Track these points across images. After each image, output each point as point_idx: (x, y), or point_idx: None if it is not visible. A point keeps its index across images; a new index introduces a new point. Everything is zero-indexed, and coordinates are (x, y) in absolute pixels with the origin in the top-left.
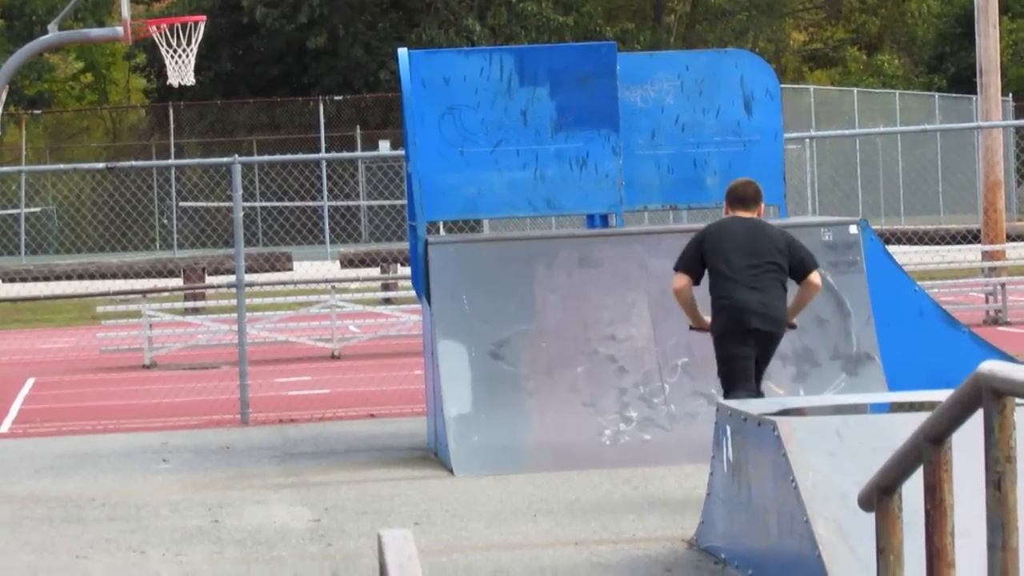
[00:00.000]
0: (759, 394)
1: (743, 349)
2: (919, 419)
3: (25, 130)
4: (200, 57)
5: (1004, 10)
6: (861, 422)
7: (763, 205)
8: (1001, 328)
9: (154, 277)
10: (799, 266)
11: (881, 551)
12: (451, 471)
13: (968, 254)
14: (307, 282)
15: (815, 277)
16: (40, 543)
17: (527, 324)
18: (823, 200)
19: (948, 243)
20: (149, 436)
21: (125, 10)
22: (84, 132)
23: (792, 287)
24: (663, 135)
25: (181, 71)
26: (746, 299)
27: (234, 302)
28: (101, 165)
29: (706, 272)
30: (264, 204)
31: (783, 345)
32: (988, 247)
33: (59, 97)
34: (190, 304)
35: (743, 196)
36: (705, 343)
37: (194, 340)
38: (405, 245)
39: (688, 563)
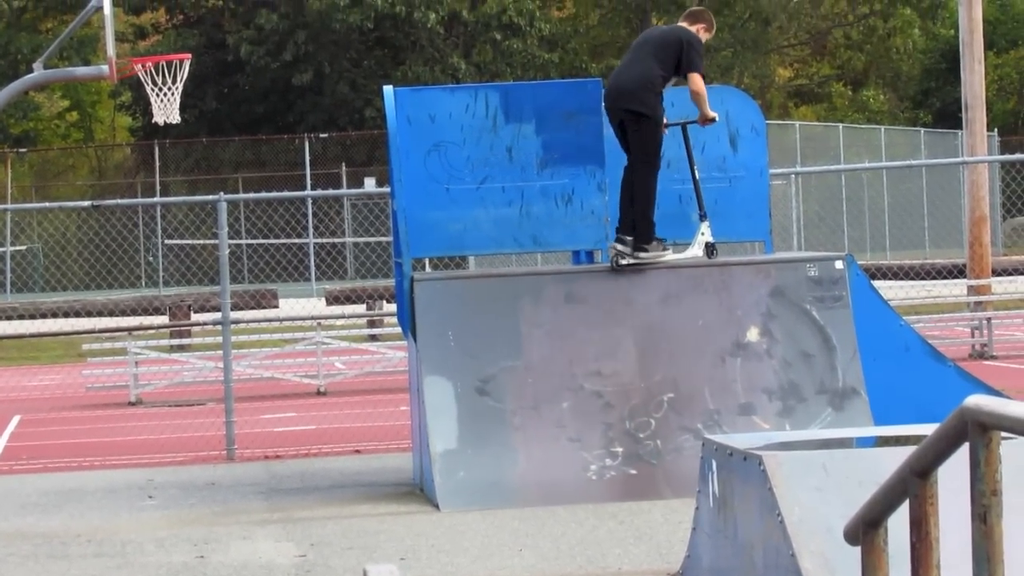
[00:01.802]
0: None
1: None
2: (905, 453)
3: (10, 168)
4: (185, 95)
5: (989, 45)
6: (847, 456)
7: (702, 26)
8: (987, 362)
9: (140, 315)
10: (685, 65)
11: None
12: (437, 506)
13: (954, 289)
14: (293, 319)
15: (692, 81)
16: None
17: (513, 360)
18: (809, 235)
19: (934, 278)
20: (135, 473)
21: (110, 49)
22: (70, 170)
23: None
24: None
25: (166, 109)
26: (609, 83)
27: (220, 339)
28: (87, 203)
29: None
30: (250, 241)
31: (769, 379)
32: (974, 282)
33: (44, 135)
34: (176, 341)
35: (691, 10)
36: (692, 379)
37: (180, 377)
38: (391, 282)
39: None
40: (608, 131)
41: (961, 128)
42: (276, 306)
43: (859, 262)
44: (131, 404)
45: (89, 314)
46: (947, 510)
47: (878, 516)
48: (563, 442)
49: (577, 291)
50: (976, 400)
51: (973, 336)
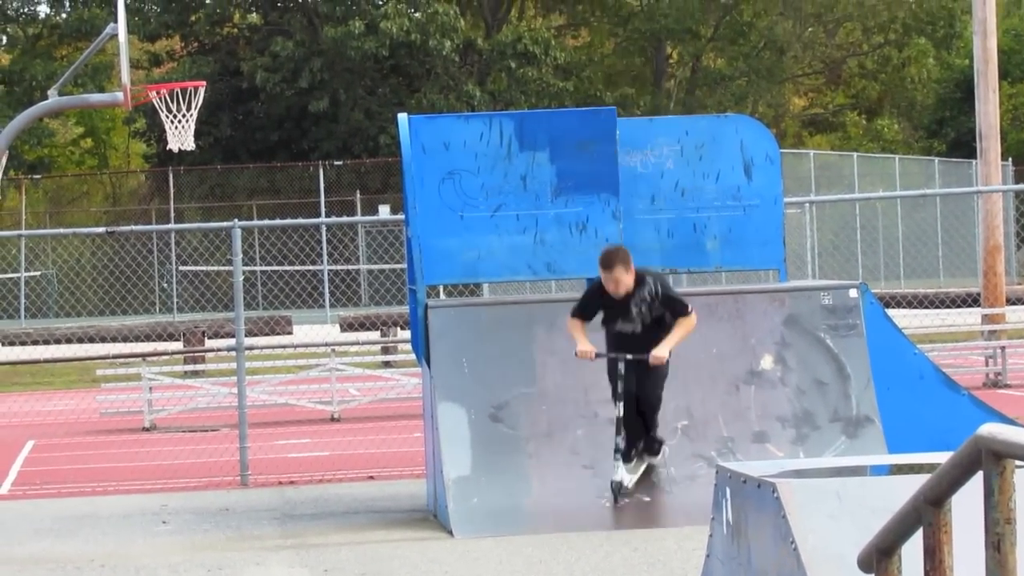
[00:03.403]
0: None
1: None
2: (919, 481)
3: (25, 195)
4: (200, 122)
5: (1004, 75)
6: (861, 484)
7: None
8: (1001, 391)
9: (154, 340)
10: None
11: None
12: (451, 533)
13: (968, 317)
14: (307, 345)
15: None
16: None
17: (527, 387)
18: (823, 264)
19: (948, 307)
20: (149, 498)
21: (125, 75)
22: (84, 197)
23: None
24: (663, 200)
25: (181, 136)
26: None
27: (234, 365)
28: (101, 230)
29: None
30: (264, 268)
31: (783, 407)
32: (988, 310)
33: (59, 162)
34: (190, 367)
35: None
36: (706, 406)
37: (194, 403)
38: (405, 309)
39: None
40: (623, 160)
41: (975, 157)
42: (290, 332)
43: (873, 291)
44: (145, 429)
45: (103, 340)
46: (961, 539)
47: (892, 544)
48: (577, 469)
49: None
50: (990, 428)
51: (987, 365)
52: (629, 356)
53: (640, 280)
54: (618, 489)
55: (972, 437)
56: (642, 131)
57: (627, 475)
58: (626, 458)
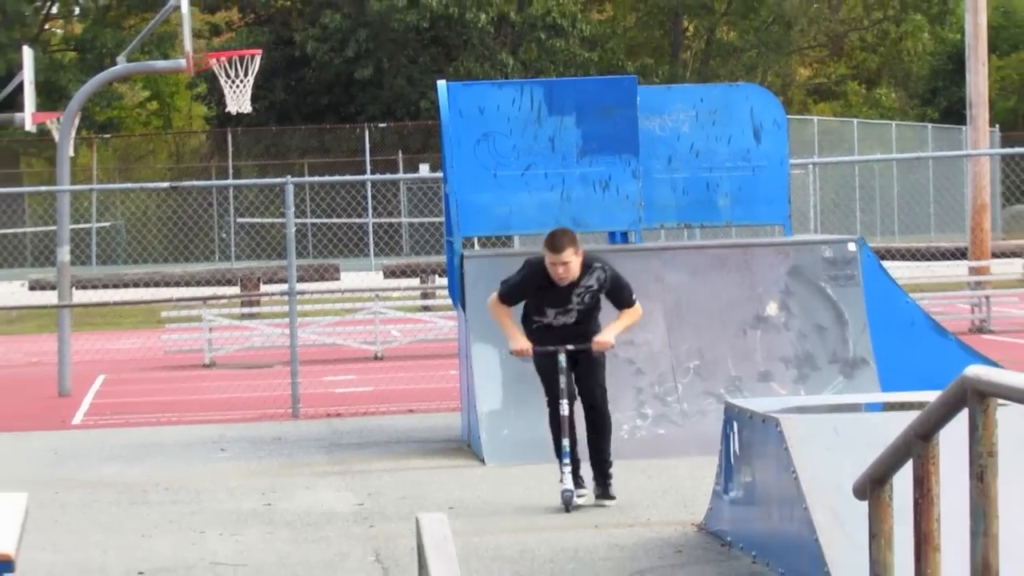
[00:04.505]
0: None
1: None
2: (909, 418)
3: (96, 152)
4: (256, 87)
5: (992, 49)
6: (856, 420)
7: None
8: (985, 336)
9: (214, 285)
10: None
11: (873, 536)
12: (483, 461)
13: (956, 269)
14: (353, 291)
15: None
16: (109, 524)
17: None
18: (825, 220)
19: (938, 259)
20: (208, 428)
21: (188, 44)
22: (150, 155)
23: None
24: (679, 160)
25: (239, 100)
26: None
27: (286, 308)
28: (165, 185)
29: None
30: (314, 220)
31: (786, 349)
32: (974, 263)
33: (127, 123)
34: (246, 310)
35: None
36: (716, 348)
37: (250, 342)
38: (442, 258)
39: (697, 545)
40: (643, 124)
41: (965, 124)
42: (338, 279)
43: (870, 244)
44: (205, 366)
45: (167, 284)
46: (947, 470)
47: (884, 474)
48: None
49: None
50: (975, 370)
51: (973, 312)
52: (571, 347)
53: (588, 266)
54: (569, 500)
55: (959, 377)
56: (660, 98)
57: (576, 489)
58: (575, 475)
